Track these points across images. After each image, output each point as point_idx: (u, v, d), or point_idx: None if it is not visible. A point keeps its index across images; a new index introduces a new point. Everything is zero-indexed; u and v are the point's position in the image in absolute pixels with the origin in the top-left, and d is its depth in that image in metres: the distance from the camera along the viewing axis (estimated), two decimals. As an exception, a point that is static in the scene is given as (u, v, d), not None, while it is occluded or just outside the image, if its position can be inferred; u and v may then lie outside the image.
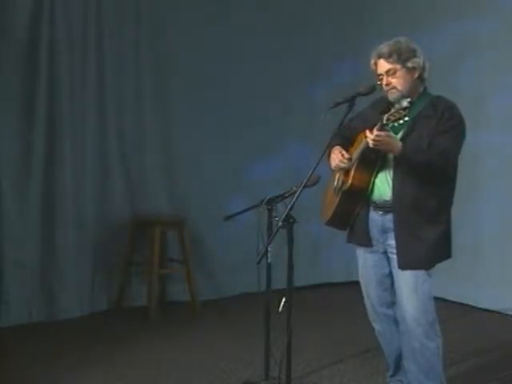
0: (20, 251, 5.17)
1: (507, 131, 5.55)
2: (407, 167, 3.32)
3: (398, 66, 3.38)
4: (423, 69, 3.42)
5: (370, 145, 3.24)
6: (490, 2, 5.66)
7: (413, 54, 3.40)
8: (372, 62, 3.46)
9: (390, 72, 3.40)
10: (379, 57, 3.42)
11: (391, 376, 3.79)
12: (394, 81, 3.40)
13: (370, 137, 3.22)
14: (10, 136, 5.16)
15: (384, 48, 3.41)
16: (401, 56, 3.38)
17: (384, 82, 3.41)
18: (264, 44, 6.18)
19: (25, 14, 5.16)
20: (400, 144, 3.27)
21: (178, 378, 4.08)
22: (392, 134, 3.27)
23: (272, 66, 6.22)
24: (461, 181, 3.46)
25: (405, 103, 3.15)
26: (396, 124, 3.20)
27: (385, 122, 3.20)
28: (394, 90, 3.39)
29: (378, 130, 3.22)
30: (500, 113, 5.61)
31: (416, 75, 3.41)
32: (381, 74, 3.43)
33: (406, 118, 3.16)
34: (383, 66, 3.41)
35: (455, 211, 3.45)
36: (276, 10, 6.28)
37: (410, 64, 3.39)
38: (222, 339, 4.85)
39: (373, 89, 3.34)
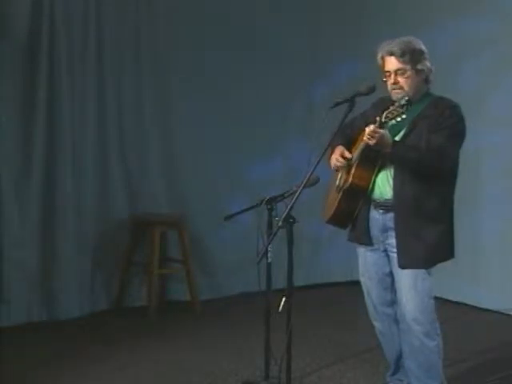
0: (20, 251, 5.17)
1: (507, 131, 5.55)
2: (401, 165, 3.32)
3: (409, 67, 3.37)
4: (430, 71, 3.43)
5: (365, 138, 3.25)
6: (490, 2, 5.65)
7: (423, 56, 3.39)
8: (379, 56, 3.44)
9: (400, 71, 3.38)
10: (390, 54, 3.39)
11: (391, 375, 3.79)
12: (402, 81, 3.38)
13: (366, 131, 3.23)
14: (10, 136, 5.16)
15: (396, 46, 3.38)
16: (413, 57, 3.36)
17: (391, 81, 3.40)
18: (264, 44, 6.18)
19: (25, 14, 5.16)
20: (391, 142, 3.27)
21: (178, 378, 4.08)
22: (386, 131, 3.26)
23: (272, 66, 6.22)
24: (461, 181, 3.46)
25: (403, 101, 3.16)
26: (394, 121, 3.21)
27: (383, 119, 3.21)
28: (399, 90, 3.38)
29: (376, 127, 3.23)
30: (500, 113, 5.61)
31: (423, 77, 3.41)
32: (388, 72, 3.42)
33: (404, 116, 3.17)
34: (393, 64, 3.39)
35: (456, 211, 3.46)
36: (276, 9, 6.28)
37: (419, 66, 3.38)
38: (222, 339, 4.85)
39: (372, 89, 3.33)
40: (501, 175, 5.63)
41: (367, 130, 3.23)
